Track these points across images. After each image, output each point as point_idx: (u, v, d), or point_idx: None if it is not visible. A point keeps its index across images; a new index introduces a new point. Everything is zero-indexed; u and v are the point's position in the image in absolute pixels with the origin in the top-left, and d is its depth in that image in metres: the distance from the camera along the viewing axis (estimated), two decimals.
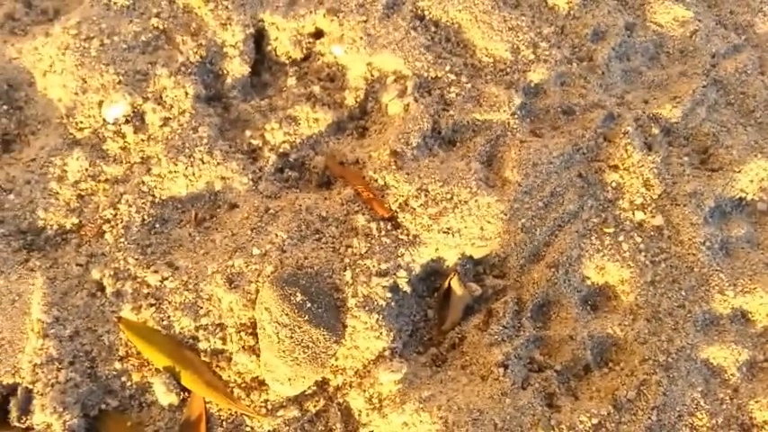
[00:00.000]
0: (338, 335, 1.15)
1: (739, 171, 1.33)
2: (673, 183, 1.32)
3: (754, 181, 1.34)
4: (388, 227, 1.24)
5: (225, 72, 1.41)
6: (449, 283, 1.22)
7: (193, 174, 1.28)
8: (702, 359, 1.20)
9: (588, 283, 1.26)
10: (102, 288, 1.19)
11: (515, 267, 1.24)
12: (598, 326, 1.21)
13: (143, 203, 1.25)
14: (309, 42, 1.48)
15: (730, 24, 1.58)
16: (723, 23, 1.58)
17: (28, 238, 1.23)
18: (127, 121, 1.31)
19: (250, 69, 1.43)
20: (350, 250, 1.21)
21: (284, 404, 1.14)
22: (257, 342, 1.14)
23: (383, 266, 1.19)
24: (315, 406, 1.14)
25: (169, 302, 1.16)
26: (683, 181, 1.32)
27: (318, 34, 1.48)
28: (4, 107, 1.35)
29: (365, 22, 1.44)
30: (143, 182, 1.27)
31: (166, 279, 1.18)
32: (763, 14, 1.59)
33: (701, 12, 1.57)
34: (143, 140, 1.30)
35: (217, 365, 1.14)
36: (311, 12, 1.46)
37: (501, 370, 1.13)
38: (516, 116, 1.36)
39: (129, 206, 1.24)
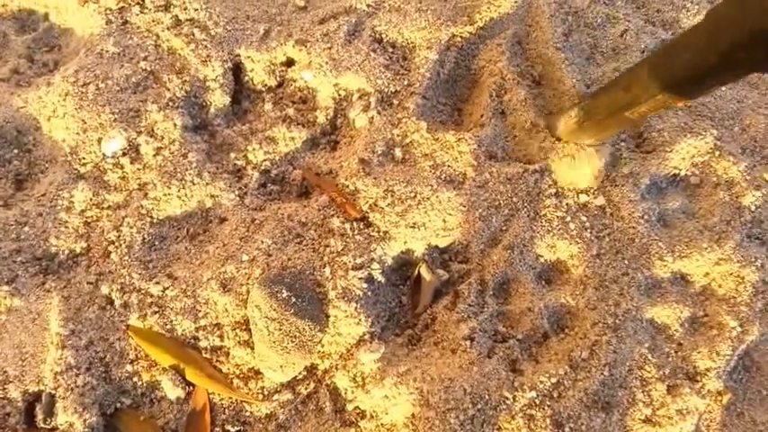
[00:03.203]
0: (322, 324, 1.21)
1: (671, 150, 1.39)
2: (612, 166, 1.38)
3: (685, 158, 1.39)
4: (361, 226, 1.29)
5: (208, 103, 1.46)
6: (418, 271, 1.28)
7: (186, 195, 1.34)
8: (647, 319, 1.25)
9: (541, 260, 1.31)
10: (111, 301, 1.24)
11: (476, 252, 1.30)
12: (553, 297, 1.27)
13: (143, 224, 1.31)
14: (282, 71, 1.53)
15: (658, 21, 1.64)
16: (651, 21, 1.64)
17: (43, 264, 1.29)
18: (124, 154, 1.36)
19: (231, 99, 1.48)
20: (328, 249, 1.27)
21: (278, 389, 1.20)
22: (251, 337, 1.20)
23: (358, 261, 1.25)
24: (306, 389, 1.20)
25: (171, 309, 1.22)
26: (620, 164, 1.38)
27: (289, 63, 1.54)
28: (15, 151, 1.41)
29: (330, 48, 1.49)
30: (142, 205, 1.32)
31: (167, 289, 1.24)
32: (686, 10, 1.65)
33: (630, 12, 1.63)
34: (139, 169, 1.36)
35: (217, 360, 1.20)
36: (282, 44, 1.52)
37: (468, 343, 1.19)
38: None
39: (131, 228, 1.30)
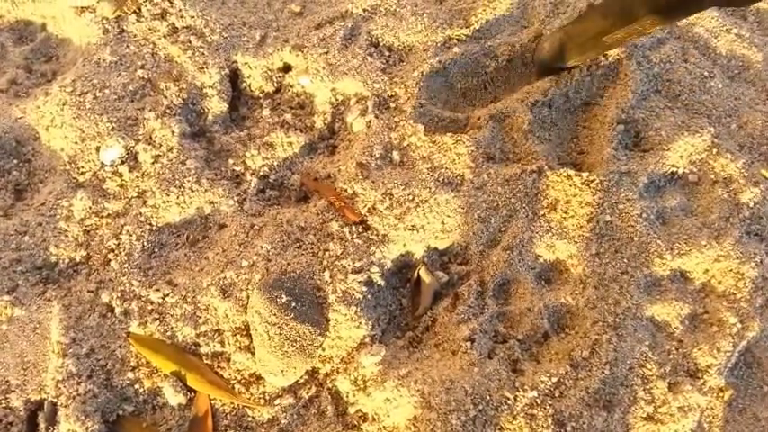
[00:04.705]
0: (322, 328, 1.21)
1: (669, 149, 1.39)
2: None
3: (683, 156, 1.40)
4: (360, 230, 1.30)
5: (206, 110, 1.47)
6: (418, 274, 1.29)
7: (185, 202, 1.34)
8: (647, 317, 1.26)
9: (541, 260, 1.31)
10: (111, 309, 1.25)
11: (476, 254, 1.30)
12: (552, 297, 1.27)
13: (142, 232, 1.31)
14: (279, 76, 1.54)
15: None
16: None
17: (43, 273, 1.30)
18: (122, 162, 1.37)
19: (228, 105, 1.48)
20: (327, 253, 1.27)
21: (280, 394, 1.20)
22: (251, 342, 1.20)
23: (357, 264, 1.26)
24: (307, 392, 1.21)
25: (171, 315, 1.23)
26: (619, 163, 1.39)
27: (286, 68, 1.55)
28: (15, 161, 1.42)
29: (326, 53, 1.50)
30: (141, 213, 1.33)
31: (167, 295, 1.25)
32: None
33: None
34: (138, 177, 1.36)
35: (218, 366, 1.21)
36: (278, 50, 1.53)
37: (469, 344, 1.20)
38: None
39: (130, 236, 1.30)
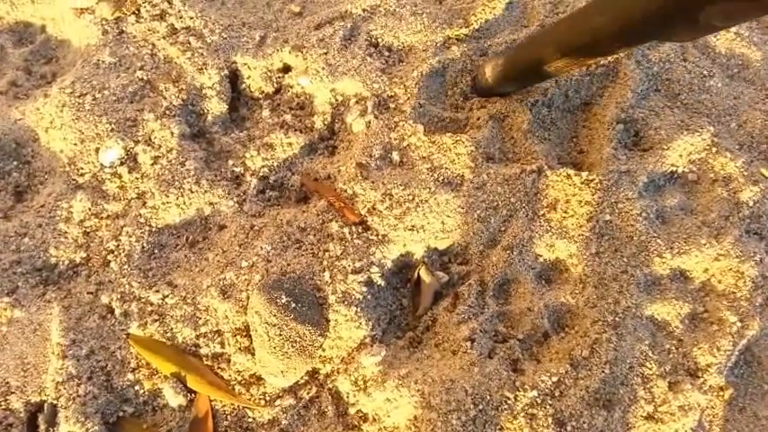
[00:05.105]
0: (322, 328, 1.21)
1: (668, 148, 1.39)
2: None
3: (683, 155, 1.40)
4: (360, 230, 1.30)
5: (205, 111, 1.47)
6: (418, 274, 1.29)
7: (184, 203, 1.34)
8: (647, 316, 1.26)
9: (541, 260, 1.31)
10: (111, 311, 1.25)
11: (476, 253, 1.30)
12: (552, 296, 1.27)
13: (142, 233, 1.31)
14: (279, 77, 1.54)
15: None
16: None
17: (43, 274, 1.30)
18: (121, 163, 1.37)
19: (228, 106, 1.48)
20: (327, 254, 1.27)
21: (280, 395, 1.20)
22: (251, 342, 1.20)
23: (357, 265, 1.26)
24: (308, 393, 1.21)
25: (171, 317, 1.23)
26: (618, 162, 1.39)
27: (286, 69, 1.54)
28: (14, 163, 1.42)
29: (326, 54, 1.50)
30: (140, 214, 1.33)
31: (167, 297, 1.25)
32: None
33: None
34: (137, 178, 1.36)
35: (218, 367, 1.21)
36: (278, 50, 1.52)
37: (469, 344, 1.20)
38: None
39: (130, 237, 1.30)
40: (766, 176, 1.40)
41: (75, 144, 1.39)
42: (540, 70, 1.23)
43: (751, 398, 1.28)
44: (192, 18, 1.53)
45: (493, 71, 1.39)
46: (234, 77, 1.53)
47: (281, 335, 1.17)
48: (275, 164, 1.43)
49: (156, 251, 1.32)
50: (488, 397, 1.14)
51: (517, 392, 1.16)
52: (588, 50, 1.10)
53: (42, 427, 1.14)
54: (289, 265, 1.25)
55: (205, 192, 1.36)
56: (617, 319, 1.22)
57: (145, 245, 1.31)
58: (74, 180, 1.37)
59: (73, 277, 1.30)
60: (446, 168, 1.35)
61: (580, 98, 1.50)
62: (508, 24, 1.56)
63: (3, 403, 1.16)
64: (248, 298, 1.22)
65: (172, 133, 1.40)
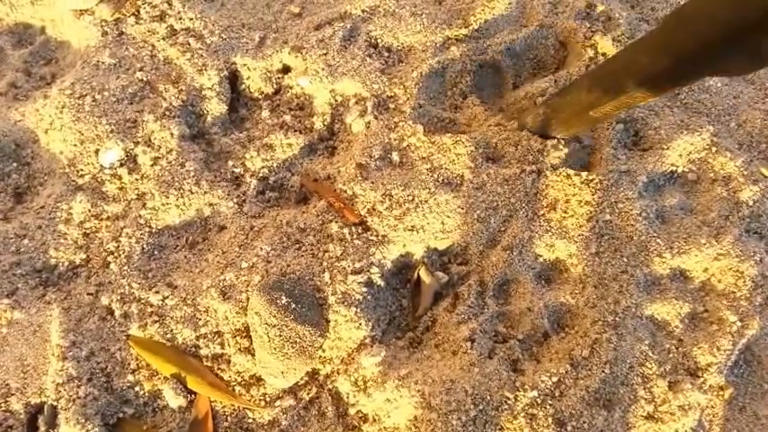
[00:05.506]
0: (322, 329, 1.21)
1: (668, 148, 1.39)
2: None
3: (682, 155, 1.40)
4: (359, 230, 1.29)
5: (205, 112, 1.47)
6: (418, 274, 1.29)
7: (184, 204, 1.35)
8: (647, 315, 1.25)
9: (540, 260, 1.31)
10: (111, 312, 1.25)
11: (476, 254, 1.30)
12: (552, 296, 1.27)
13: (141, 234, 1.31)
14: (278, 78, 1.54)
15: (652, 19, 1.65)
16: (645, 19, 1.65)
17: (43, 276, 1.30)
18: (121, 165, 1.37)
19: (227, 107, 1.48)
20: (327, 254, 1.27)
21: (280, 395, 1.20)
22: (251, 343, 1.20)
23: (357, 265, 1.26)
24: (308, 394, 1.21)
25: (171, 318, 1.23)
26: (618, 162, 1.39)
27: (286, 70, 1.54)
28: (14, 164, 1.43)
29: (325, 54, 1.50)
30: (140, 216, 1.33)
31: (167, 298, 1.25)
32: None
33: (625, 12, 1.64)
34: (137, 180, 1.37)
35: (218, 368, 1.21)
36: (277, 51, 1.53)
37: (469, 344, 1.20)
38: None
39: (130, 238, 1.31)
40: (766, 176, 1.40)
41: (75, 145, 1.39)
42: (586, 117, 1.16)
43: (751, 397, 1.27)
44: (191, 19, 1.53)
45: (534, 121, 1.34)
46: (233, 78, 1.53)
47: (280, 335, 1.17)
48: (275, 164, 1.43)
49: (155, 252, 1.32)
50: (488, 397, 1.14)
51: (517, 392, 1.16)
52: (636, 89, 1.00)
53: (42, 428, 1.14)
54: (288, 265, 1.25)
55: (205, 193, 1.36)
56: (617, 318, 1.22)
57: (145, 246, 1.31)
58: (73, 181, 1.37)
59: (73, 279, 1.30)
60: (446, 169, 1.35)
61: None
62: (507, 24, 1.56)
63: (3, 405, 1.16)
64: (248, 299, 1.22)
65: (171, 134, 1.40)
